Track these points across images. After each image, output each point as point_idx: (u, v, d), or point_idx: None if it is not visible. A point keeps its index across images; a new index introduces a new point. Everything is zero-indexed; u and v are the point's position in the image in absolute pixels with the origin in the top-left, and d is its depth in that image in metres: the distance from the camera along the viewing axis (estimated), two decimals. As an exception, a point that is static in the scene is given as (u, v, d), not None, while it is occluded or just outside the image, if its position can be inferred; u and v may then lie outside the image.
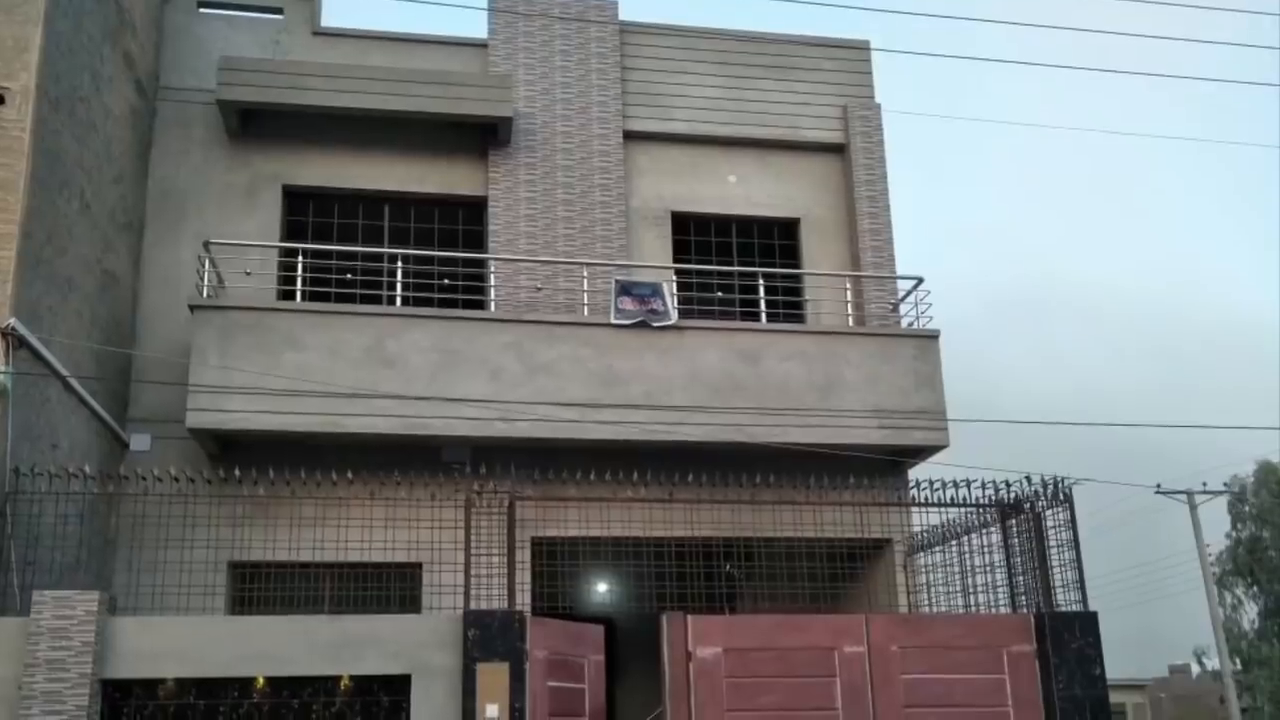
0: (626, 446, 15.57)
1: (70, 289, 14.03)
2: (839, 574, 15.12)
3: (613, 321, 16.11)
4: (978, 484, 13.98)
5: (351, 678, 11.78)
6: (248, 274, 16.09)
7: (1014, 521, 14.01)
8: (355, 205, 18.09)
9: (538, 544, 15.29)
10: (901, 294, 17.98)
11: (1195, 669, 68.95)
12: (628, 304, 16.14)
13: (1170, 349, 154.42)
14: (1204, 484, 43.66)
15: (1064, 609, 13.21)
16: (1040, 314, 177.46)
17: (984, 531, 14.61)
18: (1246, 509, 54.68)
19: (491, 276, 17.14)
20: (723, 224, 19.17)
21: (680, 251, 18.69)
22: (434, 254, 17.08)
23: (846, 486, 14.54)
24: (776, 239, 19.28)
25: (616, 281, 16.42)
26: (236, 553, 14.41)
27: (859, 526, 15.24)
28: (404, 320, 15.69)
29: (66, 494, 12.84)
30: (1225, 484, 46.65)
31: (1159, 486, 42.91)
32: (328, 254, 16.92)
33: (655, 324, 16.10)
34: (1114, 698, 13.68)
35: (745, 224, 19.23)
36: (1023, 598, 13.81)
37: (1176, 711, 69.54)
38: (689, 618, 12.35)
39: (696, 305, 17.86)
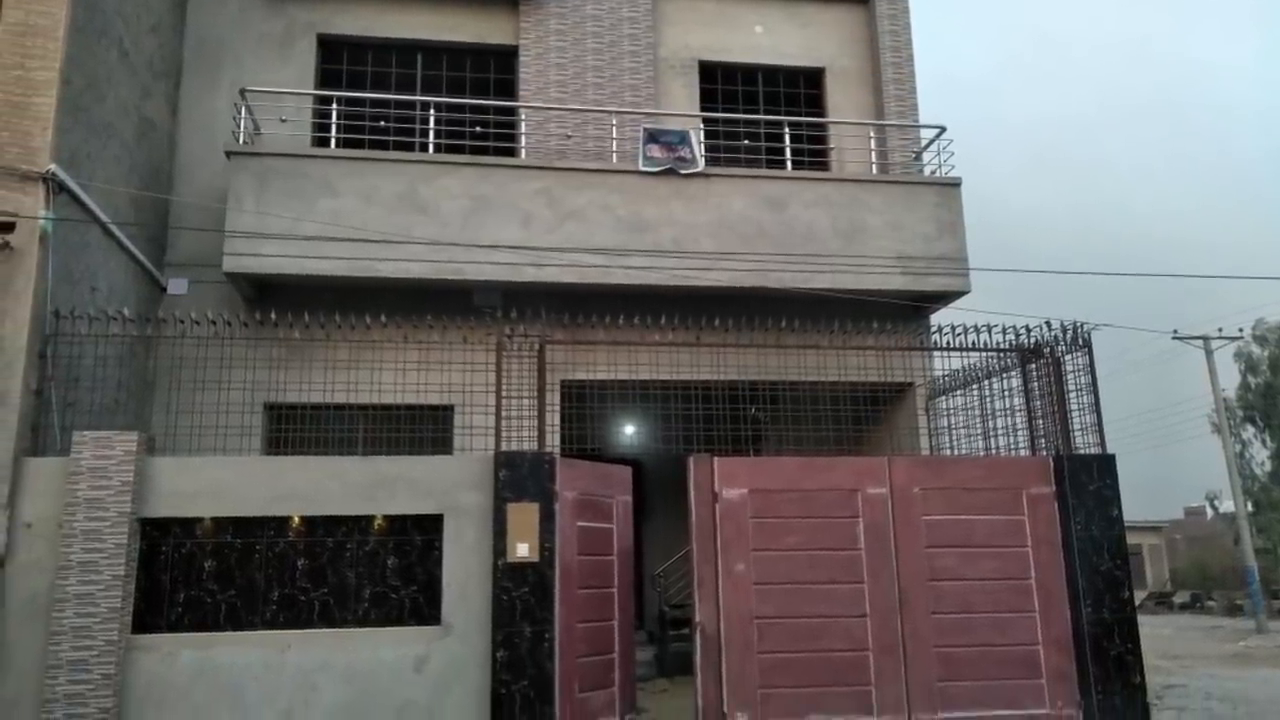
0: (654, 291, 15.86)
1: (109, 135, 14.17)
2: (862, 417, 15.33)
3: (641, 169, 16.24)
4: (998, 329, 14.14)
5: (385, 517, 12.13)
6: (283, 121, 16.29)
7: (1034, 366, 14.17)
8: (388, 54, 18.20)
9: (567, 387, 15.63)
10: (924, 143, 18.07)
11: (1209, 512, 70.05)
12: (656, 152, 16.26)
13: (1183, 210, 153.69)
14: (1219, 329, 43.63)
15: (1082, 452, 13.42)
16: (1069, 162, 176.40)
17: (1004, 376, 14.81)
18: (1266, 353, 54.88)
19: (522, 124, 17.29)
20: (749, 73, 19.23)
21: (707, 100, 18.78)
22: (466, 102, 17.09)
23: (870, 331, 14.75)
24: (802, 88, 19.34)
25: (645, 129, 16.52)
26: (272, 395, 14.68)
27: (882, 370, 15.53)
28: (436, 167, 15.82)
29: (106, 336, 13.13)
30: (1239, 329, 46.59)
31: (1176, 332, 42.95)
32: (361, 102, 17.00)
33: (683, 171, 16.24)
34: (1130, 539, 13.90)
35: (771, 73, 19.29)
36: (1042, 441, 14.01)
37: (1191, 552, 70.35)
38: (715, 459, 12.57)
39: (723, 154, 18.00)
